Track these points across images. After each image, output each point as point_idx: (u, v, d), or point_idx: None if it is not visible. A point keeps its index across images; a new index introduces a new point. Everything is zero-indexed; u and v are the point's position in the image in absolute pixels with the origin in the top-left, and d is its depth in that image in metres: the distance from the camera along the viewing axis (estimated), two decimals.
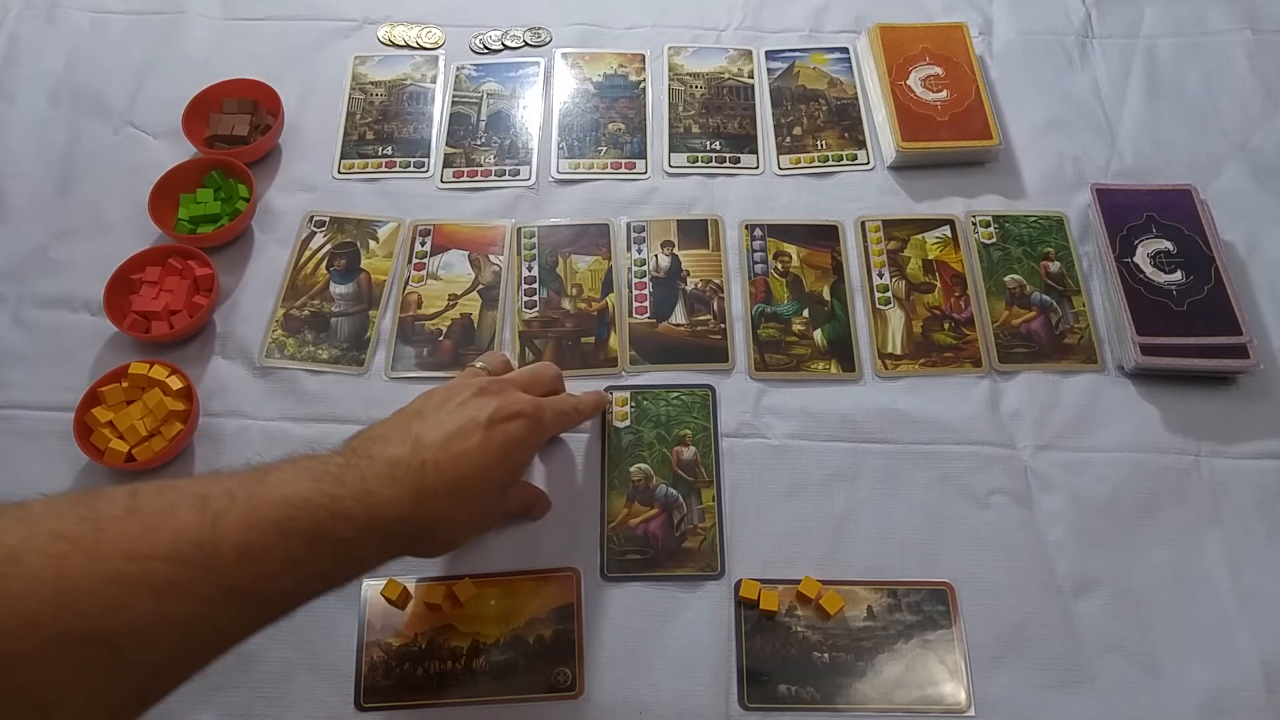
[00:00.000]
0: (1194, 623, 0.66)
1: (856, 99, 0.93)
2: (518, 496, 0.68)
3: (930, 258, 0.82)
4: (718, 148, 0.90)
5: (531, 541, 0.69)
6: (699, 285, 0.81)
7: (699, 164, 0.89)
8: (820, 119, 0.91)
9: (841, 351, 0.78)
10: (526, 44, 0.97)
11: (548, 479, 0.72)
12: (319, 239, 0.84)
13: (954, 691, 0.64)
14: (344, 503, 0.49)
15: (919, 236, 0.84)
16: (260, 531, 0.46)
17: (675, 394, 0.75)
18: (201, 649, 0.45)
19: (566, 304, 0.80)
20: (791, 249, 0.83)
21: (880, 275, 0.82)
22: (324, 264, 0.83)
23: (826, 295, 0.81)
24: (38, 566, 0.40)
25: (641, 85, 0.94)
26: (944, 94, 0.89)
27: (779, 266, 0.82)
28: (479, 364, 0.67)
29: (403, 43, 0.97)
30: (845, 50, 0.96)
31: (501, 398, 0.60)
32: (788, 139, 0.90)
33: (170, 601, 0.42)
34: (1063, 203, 0.85)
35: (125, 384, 0.72)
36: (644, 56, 0.96)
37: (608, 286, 0.81)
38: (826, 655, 0.65)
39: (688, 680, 0.64)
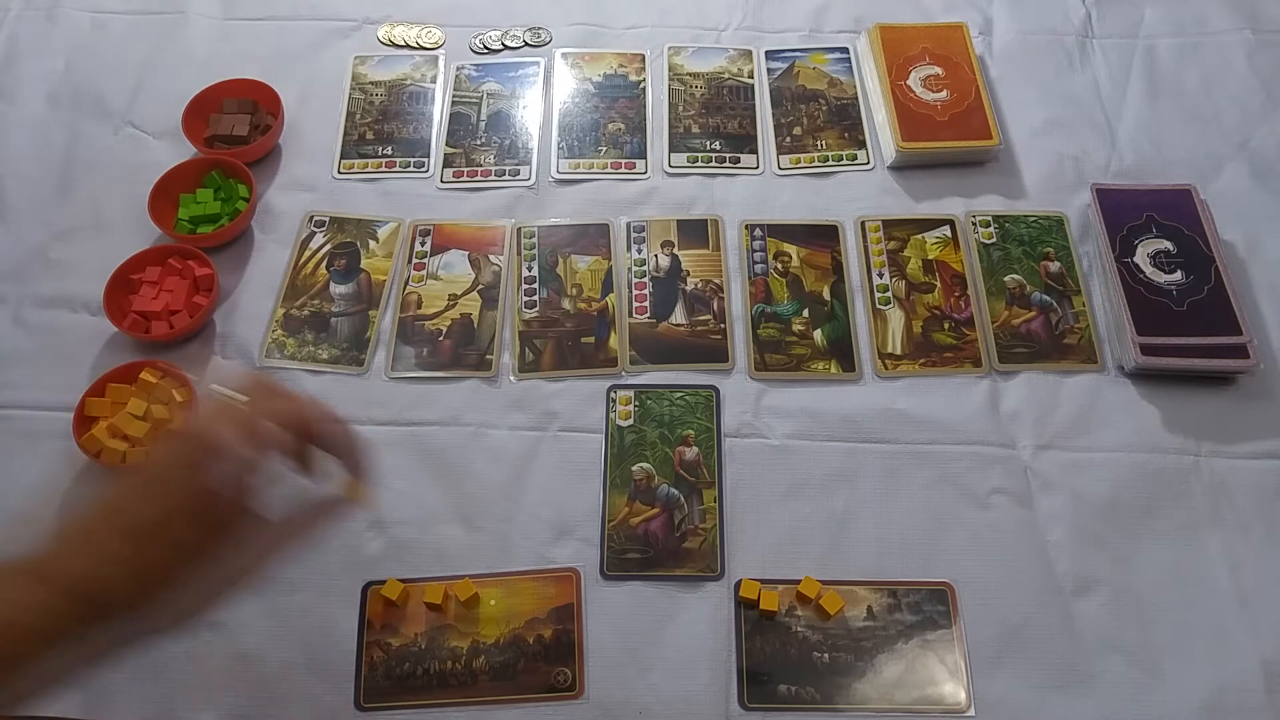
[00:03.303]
0: (1194, 623, 0.66)
1: (856, 99, 0.93)
2: (277, 533, 0.51)
3: (930, 258, 0.82)
4: (718, 148, 0.90)
5: (531, 540, 0.69)
6: (699, 285, 0.81)
7: (699, 164, 0.88)
8: (820, 119, 0.91)
9: (841, 351, 0.78)
10: (526, 44, 0.97)
11: (545, 476, 0.72)
12: (319, 239, 0.84)
13: (954, 691, 0.64)
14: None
15: (919, 236, 0.84)
16: None
17: (679, 394, 0.75)
18: None
19: (566, 304, 0.80)
20: (791, 249, 0.83)
21: (880, 275, 0.82)
22: (324, 264, 0.83)
23: (826, 295, 0.81)
24: None
25: (641, 85, 0.94)
26: (944, 94, 0.89)
27: (779, 266, 0.82)
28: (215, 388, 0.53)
29: (403, 43, 0.97)
30: (845, 50, 0.96)
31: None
32: (788, 139, 0.90)
33: None
34: (1063, 203, 0.85)
35: (134, 386, 0.72)
36: (644, 56, 0.96)
37: (608, 286, 0.81)
38: (826, 655, 0.65)
39: (688, 680, 0.64)
